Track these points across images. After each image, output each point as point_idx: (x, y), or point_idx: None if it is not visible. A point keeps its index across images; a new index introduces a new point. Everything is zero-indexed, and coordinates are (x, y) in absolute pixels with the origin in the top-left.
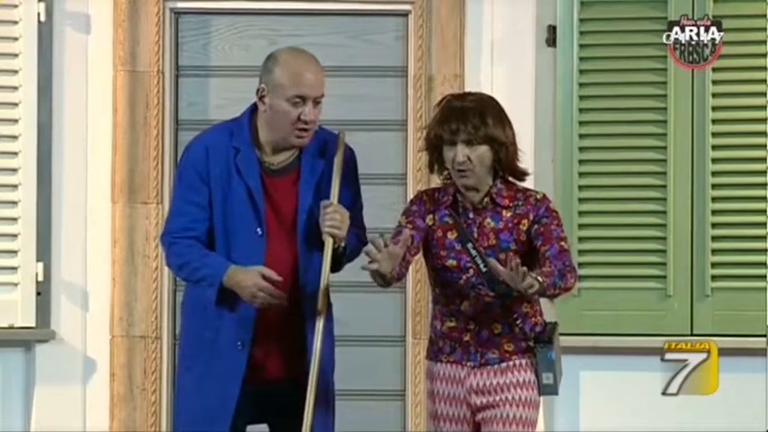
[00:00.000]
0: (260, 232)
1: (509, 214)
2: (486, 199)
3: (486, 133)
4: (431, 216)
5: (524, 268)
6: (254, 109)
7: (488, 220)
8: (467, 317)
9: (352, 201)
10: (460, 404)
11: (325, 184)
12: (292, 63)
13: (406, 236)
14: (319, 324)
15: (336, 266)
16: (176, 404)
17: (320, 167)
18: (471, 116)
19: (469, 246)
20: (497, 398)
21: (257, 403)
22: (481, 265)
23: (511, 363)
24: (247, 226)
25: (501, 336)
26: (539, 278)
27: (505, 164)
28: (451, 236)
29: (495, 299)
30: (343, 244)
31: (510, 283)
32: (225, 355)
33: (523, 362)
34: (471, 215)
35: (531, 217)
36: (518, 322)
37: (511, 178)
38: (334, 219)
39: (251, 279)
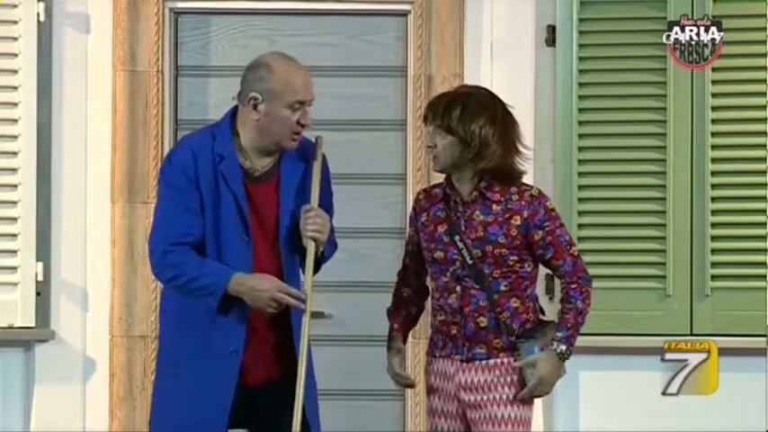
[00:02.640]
0: (246, 239)
1: (499, 208)
2: (474, 193)
3: (449, 125)
4: (425, 214)
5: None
6: (233, 114)
7: (477, 212)
8: (454, 310)
9: (329, 205)
10: (452, 400)
11: (304, 189)
12: (286, 70)
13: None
14: (305, 328)
15: (314, 270)
16: (158, 411)
17: (300, 172)
18: (441, 106)
19: (456, 238)
20: (485, 397)
21: (239, 407)
22: (467, 258)
23: (499, 360)
24: (235, 233)
25: (487, 330)
26: (565, 349)
27: (476, 161)
28: (441, 229)
29: (482, 292)
30: (321, 248)
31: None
32: (218, 361)
33: (513, 359)
34: (461, 208)
35: (526, 215)
36: (505, 317)
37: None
38: (315, 223)
39: (269, 283)
